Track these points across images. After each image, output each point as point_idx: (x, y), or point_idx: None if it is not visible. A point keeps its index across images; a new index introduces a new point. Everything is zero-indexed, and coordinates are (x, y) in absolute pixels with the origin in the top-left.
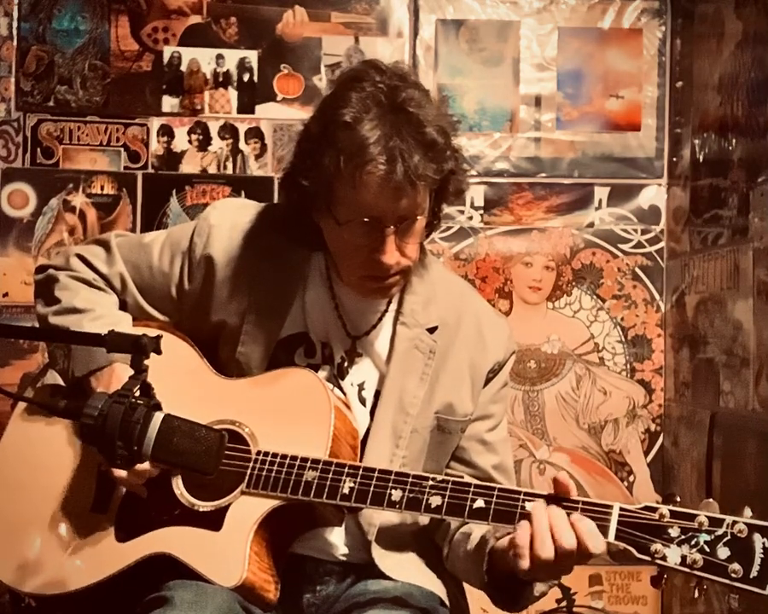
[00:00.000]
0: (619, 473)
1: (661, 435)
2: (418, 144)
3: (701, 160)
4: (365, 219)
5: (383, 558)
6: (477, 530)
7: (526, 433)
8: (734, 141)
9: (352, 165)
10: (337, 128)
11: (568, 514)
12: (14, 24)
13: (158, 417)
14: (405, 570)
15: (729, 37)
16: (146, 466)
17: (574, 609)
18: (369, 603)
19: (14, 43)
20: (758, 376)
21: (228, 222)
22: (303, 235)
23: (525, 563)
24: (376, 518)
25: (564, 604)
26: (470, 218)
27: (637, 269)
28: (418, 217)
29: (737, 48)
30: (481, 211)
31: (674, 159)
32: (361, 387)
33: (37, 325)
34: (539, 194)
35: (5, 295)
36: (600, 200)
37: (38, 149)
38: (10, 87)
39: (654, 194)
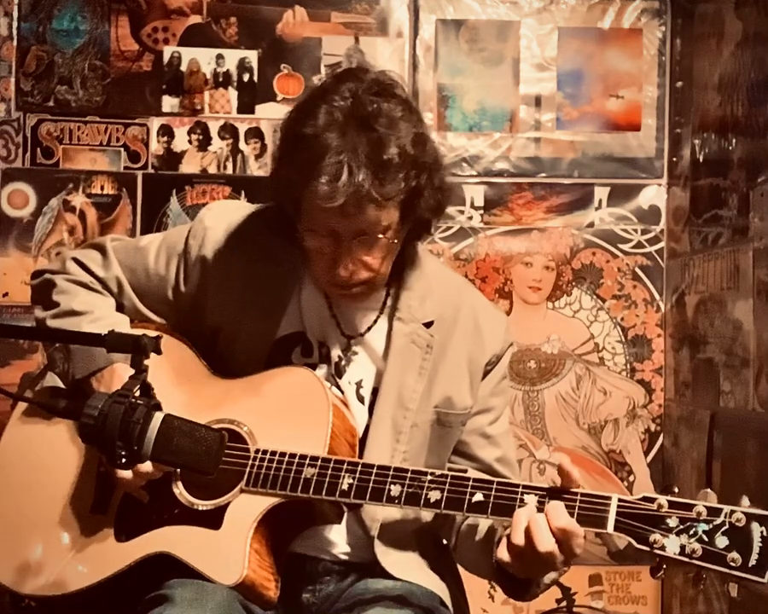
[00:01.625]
0: (619, 473)
1: (661, 435)
2: (370, 163)
3: (701, 160)
4: (322, 232)
5: (385, 556)
6: (484, 520)
7: (526, 433)
8: (734, 141)
9: (304, 179)
10: (296, 142)
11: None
12: (14, 24)
13: (158, 417)
14: (407, 568)
15: (729, 37)
16: (147, 468)
17: (574, 609)
18: (370, 601)
19: (14, 43)
20: (758, 376)
21: (223, 223)
22: (295, 236)
23: (504, 554)
24: (379, 513)
25: (564, 604)
26: (470, 218)
27: (637, 269)
28: (379, 236)
29: (737, 48)
30: (481, 211)
31: (674, 159)
32: (359, 385)
33: None
34: (539, 194)
35: (5, 295)
36: (600, 200)
37: (38, 149)
38: (10, 87)
39: (654, 194)
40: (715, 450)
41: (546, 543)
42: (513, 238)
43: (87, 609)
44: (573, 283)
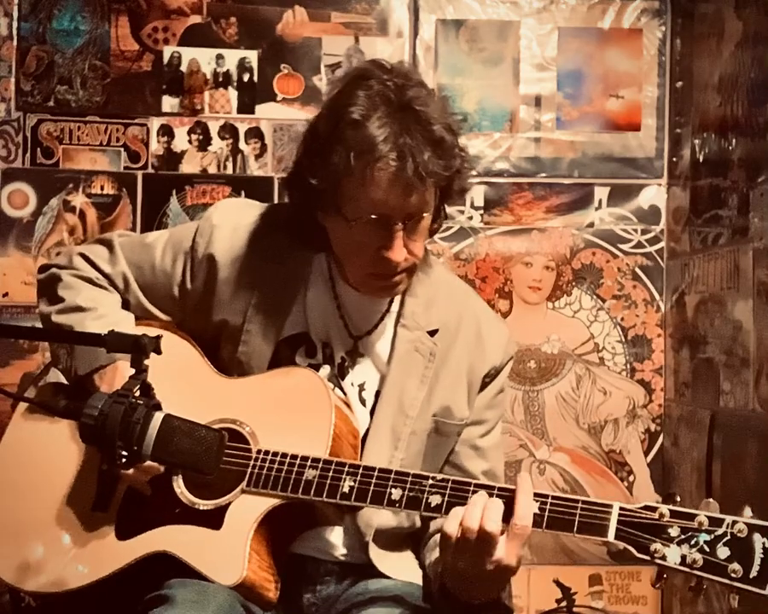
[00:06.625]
0: (619, 473)
1: (661, 435)
2: (426, 142)
3: (700, 160)
4: (374, 216)
5: (381, 558)
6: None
7: (526, 433)
8: (734, 141)
9: (363, 161)
10: (346, 126)
11: None
12: (14, 24)
13: (158, 417)
14: (403, 569)
15: (729, 37)
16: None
17: (574, 609)
18: (369, 601)
19: (14, 43)
20: (758, 376)
21: (230, 222)
22: (306, 236)
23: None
24: (374, 519)
25: (564, 604)
26: (470, 218)
27: (637, 269)
28: (425, 215)
29: (737, 48)
30: (481, 211)
31: (674, 159)
32: (361, 387)
33: (37, 324)
34: (539, 194)
35: (5, 295)
36: (600, 200)
37: (38, 149)
38: (10, 87)
39: (654, 194)
40: (715, 450)
41: (493, 524)
42: (513, 238)
43: (87, 608)
44: (573, 283)
